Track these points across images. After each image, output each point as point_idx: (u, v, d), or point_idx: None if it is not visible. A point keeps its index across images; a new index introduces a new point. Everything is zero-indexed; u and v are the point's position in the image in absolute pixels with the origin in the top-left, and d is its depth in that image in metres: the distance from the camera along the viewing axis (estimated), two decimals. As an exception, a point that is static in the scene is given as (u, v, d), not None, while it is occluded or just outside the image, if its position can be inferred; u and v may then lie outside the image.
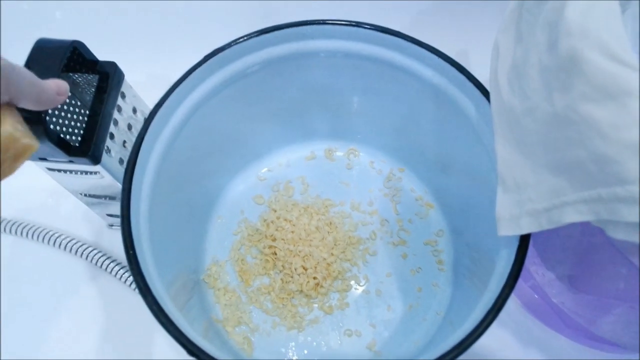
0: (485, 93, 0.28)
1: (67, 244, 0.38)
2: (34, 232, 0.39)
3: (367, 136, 0.41)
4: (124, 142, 0.32)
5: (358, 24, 0.30)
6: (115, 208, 0.36)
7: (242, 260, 0.38)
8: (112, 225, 0.40)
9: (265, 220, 0.39)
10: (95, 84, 0.30)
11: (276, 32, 0.30)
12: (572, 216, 0.19)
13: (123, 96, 0.32)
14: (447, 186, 0.38)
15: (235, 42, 0.30)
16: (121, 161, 0.31)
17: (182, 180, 0.34)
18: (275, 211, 0.39)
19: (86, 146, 0.28)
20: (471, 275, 0.34)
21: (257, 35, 0.30)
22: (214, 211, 0.39)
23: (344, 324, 0.36)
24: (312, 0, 0.44)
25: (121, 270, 0.37)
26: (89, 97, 0.29)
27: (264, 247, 0.37)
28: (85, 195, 0.34)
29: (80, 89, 0.30)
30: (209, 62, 0.29)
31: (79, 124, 0.30)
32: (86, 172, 0.30)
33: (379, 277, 0.37)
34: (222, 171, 0.40)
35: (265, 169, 0.41)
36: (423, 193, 0.40)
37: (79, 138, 0.29)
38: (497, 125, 0.25)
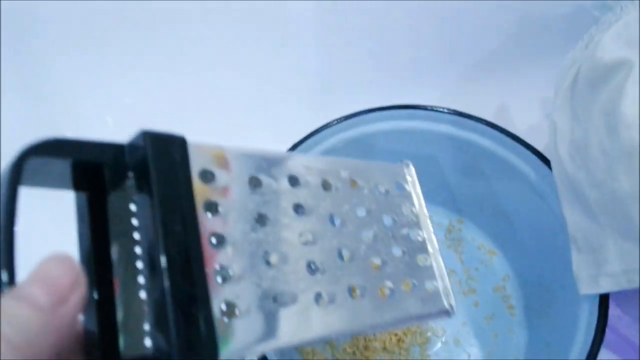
0: (543, 159, 0.31)
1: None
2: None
3: (424, 193, 0.44)
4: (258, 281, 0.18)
5: (414, 107, 0.34)
6: None
7: (325, 323, 0.41)
8: None
9: (341, 283, 0.42)
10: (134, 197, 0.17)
11: (345, 122, 0.34)
12: (652, 280, 0.21)
13: (207, 177, 0.18)
14: (507, 234, 0.41)
15: (321, 129, 0.34)
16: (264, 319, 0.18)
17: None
18: (349, 274, 0.42)
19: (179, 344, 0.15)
20: (543, 316, 0.37)
21: (337, 123, 0.34)
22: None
23: (428, 376, 0.38)
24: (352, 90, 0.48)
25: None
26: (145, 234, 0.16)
27: (344, 309, 0.40)
28: None
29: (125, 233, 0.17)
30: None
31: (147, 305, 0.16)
32: None
33: (455, 327, 0.40)
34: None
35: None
36: (484, 241, 0.43)
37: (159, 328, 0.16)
38: (562, 192, 0.28)
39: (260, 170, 0.20)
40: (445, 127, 0.35)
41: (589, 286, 0.26)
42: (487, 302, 0.40)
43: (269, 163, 0.20)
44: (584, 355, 0.25)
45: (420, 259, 0.24)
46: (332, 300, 0.20)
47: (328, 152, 0.36)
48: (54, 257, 0.14)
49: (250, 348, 0.17)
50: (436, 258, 0.24)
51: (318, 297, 0.20)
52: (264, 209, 0.19)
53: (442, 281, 0.24)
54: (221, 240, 0.17)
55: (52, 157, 0.15)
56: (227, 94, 0.48)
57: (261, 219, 0.19)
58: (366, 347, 0.39)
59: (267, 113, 0.48)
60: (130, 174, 0.17)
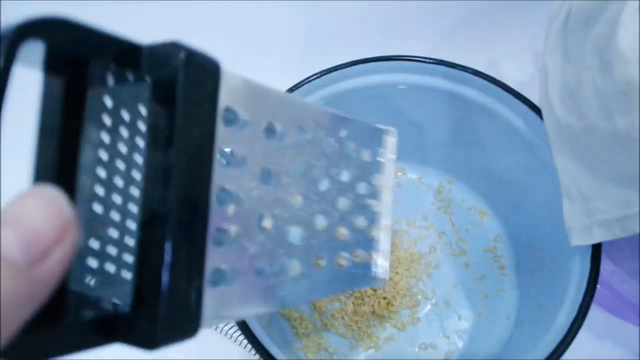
0: (534, 108, 0.29)
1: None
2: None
3: (412, 154, 0.43)
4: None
5: (398, 58, 0.32)
6: None
7: (312, 288, 0.40)
8: None
9: (328, 248, 0.40)
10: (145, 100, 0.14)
11: (336, 72, 0.32)
12: (648, 225, 0.20)
13: (229, 119, 0.15)
14: (499, 193, 0.39)
15: (299, 85, 0.32)
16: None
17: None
18: (336, 238, 0.41)
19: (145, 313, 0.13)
20: (534, 274, 0.36)
21: (317, 77, 0.32)
22: (278, 244, 0.41)
23: (418, 338, 0.37)
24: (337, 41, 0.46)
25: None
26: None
27: (332, 274, 0.39)
28: None
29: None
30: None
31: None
32: None
33: (445, 289, 0.39)
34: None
35: (319, 198, 0.43)
36: (475, 202, 0.41)
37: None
38: (553, 140, 0.26)
39: (278, 118, 0.17)
40: (432, 80, 0.33)
41: (581, 237, 0.24)
42: (477, 263, 0.39)
43: (286, 109, 0.17)
44: (575, 310, 0.24)
45: (373, 230, 0.23)
46: (303, 269, 0.18)
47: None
48: (36, 193, 0.10)
49: (228, 315, 0.16)
50: (386, 230, 0.23)
51: (293, 266, 0.18)
52: (270, 164, 0.17)
53: (384, 255, 0.23)
54: (227, 196, 0.15)
55: (49, 40, 0.11)
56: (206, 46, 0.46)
57: (265, 176, 0.17)
58: (355, 312, 0.38)
59: (250, 68, 0.46)
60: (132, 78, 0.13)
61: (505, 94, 0.30)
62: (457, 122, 0.36)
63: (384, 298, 0.38)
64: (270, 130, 0.17)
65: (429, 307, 0.38)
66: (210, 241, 0.14)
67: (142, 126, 0.14)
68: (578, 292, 0.25)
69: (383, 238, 0.23)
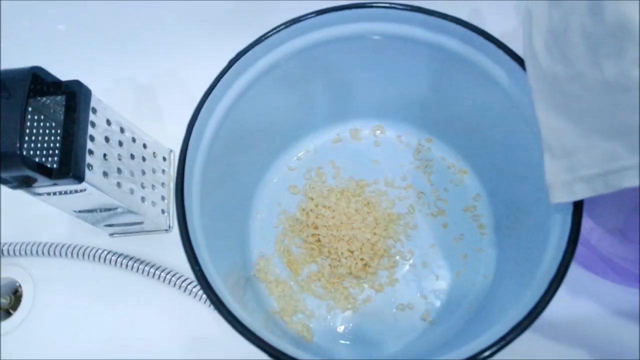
0: (517, 59, 0.27)
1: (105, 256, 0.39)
2: (66, 250, 0.39)
3: (390, 111, 0.41)
4: (105, 155, 0.32)
5: (371, 5, 0.30)
6: (113, 218, 0.37)
7: (288, 251, 0.38)
8: (112, 234, 0.41)
9: (304, 210, 0.39)
10: (63, 104, 0.30)
11: (304, 22, 0.30)
12: (633, 180, 0.19)
13: (94, 111, 0.32)
14: (478, 151, 0.38)
15: (264, 37, 0.30)
16: (105, 174, 0.32)
17: (222, 179, 0.35)
18: (312, 199, 0.39)
19: (66, 167, 0.28)
20: (512, 233, 0.35)
21: (285, 28, 0.30)
22: (253, 207, 0.40)
23: (396, 299, 0.37)
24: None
25: (168, 274, 0.38)
26: (60, 118, 0.30)
27: (307, 236, 0.38)
28: (79, 211, 0.35)
29: (51, 111, 0.30)
30: (237, 63, 0.30)
31: (54, 146, 0.29)
32: (73, 191, 0.31)
33: (423, 250, 0.38)
34: (255, 165, 0.40)
35: (295, 158, 0.42)
36: (455, 160, 0.40)
37: (58, 159, 0.29)
38: (536, 92, 0.25)
39: None
40: (409, 29, 0.31)
41: (562, 194, 0.23)
42: (456, 223, 0.38)
43: None
44: (554, 269, 0.23)
45: None
46: None
47: (273, 67, 0.32)
48: None
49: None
50: None
51: None
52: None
53: None
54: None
55: None
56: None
57: None
58: (332, 274, 0.37)
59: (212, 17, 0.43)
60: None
61: (486, 43, 0.28)
62: (436, 75, 0.34)
63: (362, 259, 0.37)
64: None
65: (407, 267, 0.37)
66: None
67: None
68: (558, 250, 0.24)
69: None
